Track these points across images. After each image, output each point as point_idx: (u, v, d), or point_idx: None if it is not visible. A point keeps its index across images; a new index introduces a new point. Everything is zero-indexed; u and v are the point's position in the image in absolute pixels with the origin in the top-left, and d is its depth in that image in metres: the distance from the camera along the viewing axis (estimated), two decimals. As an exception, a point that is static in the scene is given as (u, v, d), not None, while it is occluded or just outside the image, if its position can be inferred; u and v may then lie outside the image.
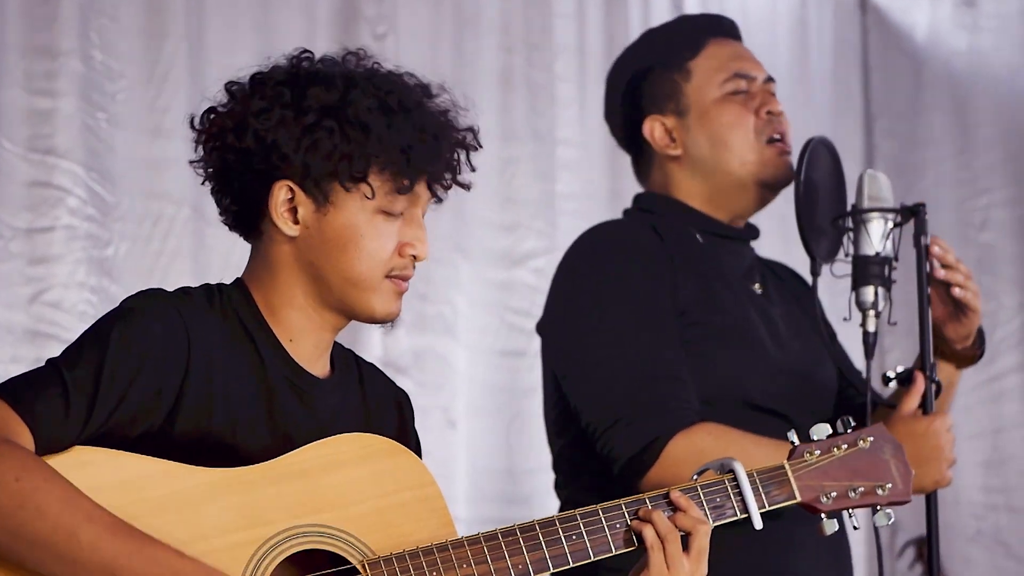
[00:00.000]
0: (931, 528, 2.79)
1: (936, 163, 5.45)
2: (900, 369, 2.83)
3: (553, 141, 4.54)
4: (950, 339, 2.91)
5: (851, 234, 2.86)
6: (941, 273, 2.84)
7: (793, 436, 2.37)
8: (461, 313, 4.25)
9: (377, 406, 2.33)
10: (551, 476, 4.11)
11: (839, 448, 2.37)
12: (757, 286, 3.00)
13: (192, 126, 2.24)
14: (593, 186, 4.57)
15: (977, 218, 5.39)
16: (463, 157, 2.24)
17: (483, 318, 4.31)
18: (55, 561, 1.97)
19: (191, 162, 2.25)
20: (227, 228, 2.28)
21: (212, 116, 2.22)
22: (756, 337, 2.88)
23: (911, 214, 2.84)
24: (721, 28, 3.08)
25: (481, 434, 4.26)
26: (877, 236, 2.83)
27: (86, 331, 2.13)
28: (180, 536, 2.04)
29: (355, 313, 2.22)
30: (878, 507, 2.39)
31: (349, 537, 2.13)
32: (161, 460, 2.06)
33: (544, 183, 4.49)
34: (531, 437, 4.27)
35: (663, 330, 2.80)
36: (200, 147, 2.23)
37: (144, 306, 2.13)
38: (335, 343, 2.29)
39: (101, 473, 2.04)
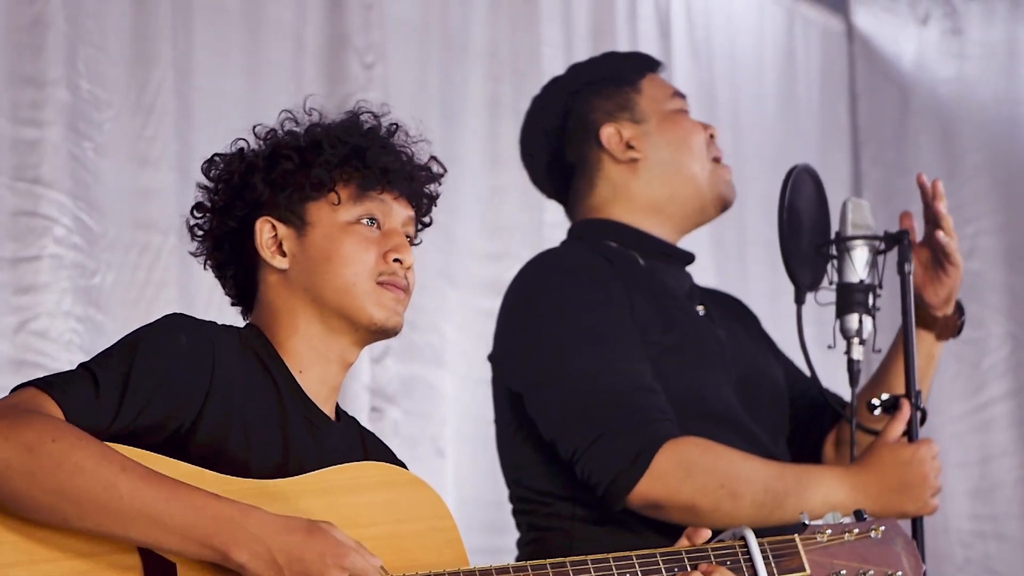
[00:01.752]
0: (919, 538, 2.78)
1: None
2: (885, 397, 2.84)
3: (541, 170, 4.54)
4: (930, 304, 2.92)
5: (835, 261, 2.87)
6: (941, 207, 2.86)
7: (804, 517, 2.39)
8: (449, 341, 4.25)
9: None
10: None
11: (851, 533, 2.39)
12: (700, 308, 3.00)
13: (188, 227, 2.42)
14: (581, 214, 4.57)
15: (964, 246, 5.37)
16: (420, 166, 2.37)
17: (471, 347, 4.30)
18: (98, 512, 2.03)
19: (191, 253, 2.42)
20: (232, 302, 2.42)
21: (200, 201, 2.40)
22: (708, 354, 2.89)
23: (895, 241, 2.85)
24: (655, 64, 3.13)
25: (470, 463, 4.25)
26: (861, 263, 2.84)
27: (117, 341, 2.21)
28: None
29: (357, 324, 2.30)
30: None
31: None
32: (188, 464, 2.13)
33: (532, 211, 4.49)
34: (520, 466, 4.27)
35: (628, 344, 2.80)
36: (197, 242, 2.40)
37: (173, 321, 2.23)
38: (340, 409, 2.38)
39: None
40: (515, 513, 2.97)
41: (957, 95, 5.51)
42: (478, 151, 4.35)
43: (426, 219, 2.42)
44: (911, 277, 2.85)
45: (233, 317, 2.41)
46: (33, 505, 2.03)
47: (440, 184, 2.41)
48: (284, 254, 2.31)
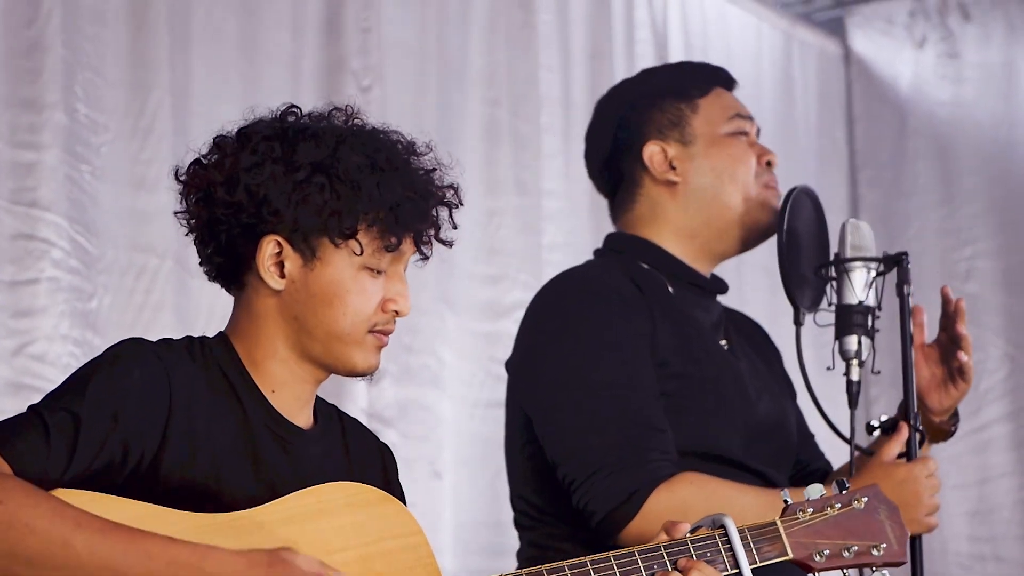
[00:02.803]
0: (915, 560, 2.77)
1: (921, 213, 5.47)
2: (884, 418, 2.83)
3: (538, 193, 4.54)
4: (932, 409, 2.89)
5: (834, 283, 2.86)
6: (963, 330, 2.83)
7: (786, 495, 2.36)
8: (447, 364, 4.24)
9: (360, 459, 2.33)
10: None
11: (832, 507, 2.36)
12: (724, 342, 2.98)
13: (177, 178, 2.25)
14: (578, 237, 4.57)
15: (961, 268, 5.41)
16: (446, 215, 2.27)
17: (469, 369, 4.30)
18: (55, 572, 1.97)
19: (176, 213, 2.26)
20: (207, 278, 2.29)
21: (198, 168, 2.24)
22: (728, 392, 2.87)
23: (894, 263, 2.85)
24: (727, 78, 3.09)
25: (467, 486, 4.24)
26: (860, 285, 2.83)
27: (66, 379, 2.13)
28: None
29: (336, 367, 2.24)
30: (873, 568, 2.38)
31: None
32: (147, 504, 2.06)
33: (529, 235, 4.50)
34: (517, 489, 4.27)
35: (641, 379, 2.77)
36: (185, 199, 2.25)
37: (123, 352, 2.14)
38: (318, 398, 2.31)
39: (91, 511, 2.01)
40: (516, 526, 2.95)
41: (954, 118, 5.52)
42: (476, 175, 4.35)
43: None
44: (910, 299, 2.84)
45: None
46: None
47: (455, 227, 2.30)
48: (284, 275, 2.20)
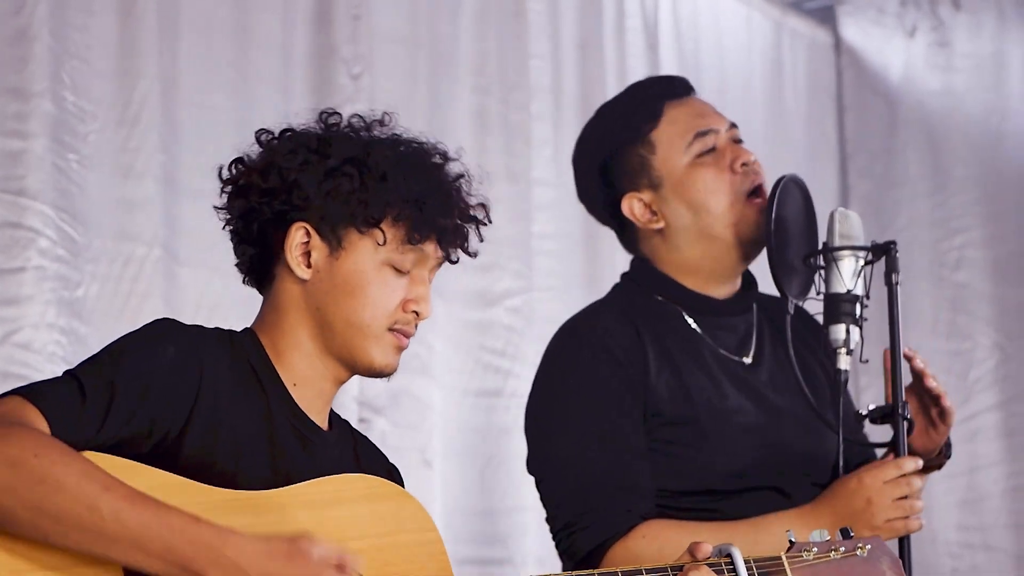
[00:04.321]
0: (905, 567, 2.77)
1: (911, 202, 5.48)
2: (873, 407, 2.83)
3: (529, 181, 4.54)
4: (917, 449, 2.88)
5: (822, 272, 2.85)
6: (932, 384, 2.85)
7: (791, 535, 2.41)
8: (437, 353, 4.24)
9: (369, 471, 2.36)
10: (527, 516, 4.09)
11: (836, 551, 2.41)
12: (748, 357, 2.98)
13: (220, 176, 2.33)
14: (569, 226, 4.57)
15: (952, 258, 5.41)
16: (473, 228, 2.33)
17: (459, 358, 4.30)
18: (77, 532, 2.01)
19: (216, 208, 2.35)
20: (242, 280, 2.36)
21: (240, 165, 2.33)
22: (726, 428, 2.86)
23: (882, 252, 2.84)
24: (674, 90, 3.04)
25: (457, 474, 4.24)
26: (848, 274, 2.83)
27: (103, 349, 2.18)
28: None
29: (355, 362, 2.30)
30: None
31: None
32: (172, 475, 2.12)
33: (520, 223, 4.49)
34: (507, 477, 4.26)
35: (618, 439, 2.81)
36: (226, 194, 2.33)
37: (161, 329, 2.21)
38: (333, 411, 2.37)
39: (117, 477, 2.06)
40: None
41: (944, 107, 5.52)
42: (465, 162, 4.34)
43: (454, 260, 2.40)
44: (898, 288, 2.84)
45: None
46: (13, 520, 2.01)
47: (481, 239, 2.37)
48: (310, 265, 2.28)
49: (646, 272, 3.01)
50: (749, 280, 3.05)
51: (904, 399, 2.80)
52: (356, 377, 3.93)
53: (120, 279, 3.52)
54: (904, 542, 2.78)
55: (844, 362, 2.82)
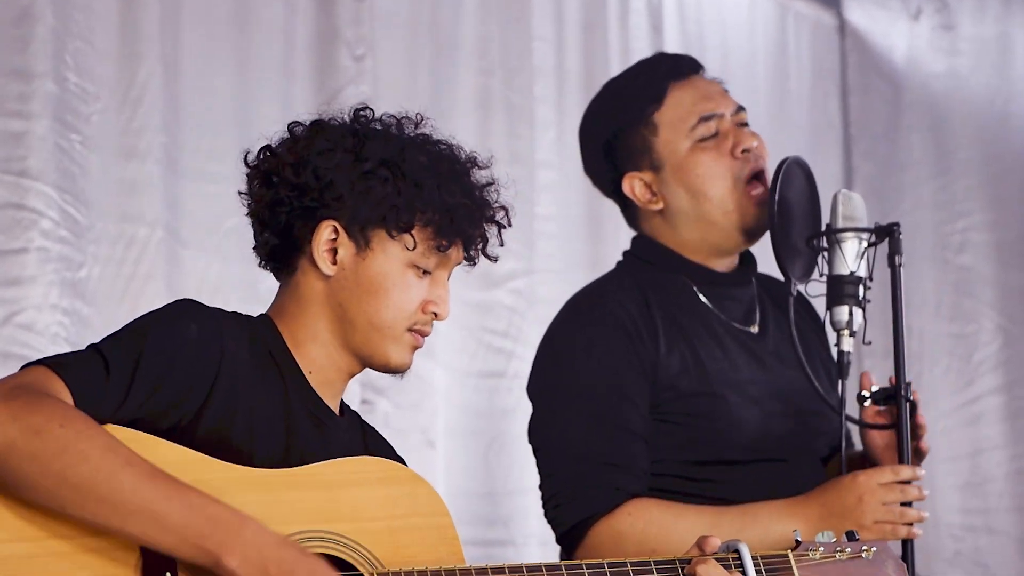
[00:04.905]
0: (907, 551, 2.78)
1: (915, 186, 5.47)
2: (875, 389, 2.83)
3: (532, 163, 4.53)
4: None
5: (825, 254, 2.85)
6: (922, 420, 2.84)
7: (798, 535, 2.43)
8: (440, 334, 4.23)
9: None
10: (530, 497, 4.09)
11: (842, 552, 2.43)
12: (755, 327, 2.99)
13: (246, 162, 2.35)
14: (572, 208, 4.57)
15: (955, 241, 5.41)
16: (495, 231, 2.38)
17: (462, 339, 4.30)
18: (97, 503, 2.04)
19: (240, 193, 2.36)
20: (259, 263, 2.38)
21: (268, 154, 2.34)
22: (738, 399, 2.87)
23: (885, 234, 2.84)
24: (680, 70, 3.03)
25: (460, 455, 4.25)
26: (851, 256, 2.83)
27: (126, 325, 2.21)
28: None
29: (372, 359, 2.34)
30: None
31: (360, 548, 2.21)
32: (192, 451, 2.14)
33: (522, 204, 4.45)
34: (510, 458, 4.27)
35: (616, 418, 2.82)
36: (251, 182, 2.34)
37: (183, 308, 2.24)
38: (343, 402, 2.40)
39: (136, 451, 2.08)
40: (558, 542, 3.00)
41: (949, 90, 5.51)
42: (468, 145, 4.32)
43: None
44: (901, 269, 2.84)
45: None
46: (33, 487, 2.03)
47: (502, 244, 2.41)
48: (335, 262, 2.30)
49: (650, 247, 3.02)
50: (747, 255, 3.06)
51: (907, 381, 2.80)
52: (359, 358, 3.98)
53: (122, 260, 3.52)
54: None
55: (847, 344, 2.83)
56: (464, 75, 4.40)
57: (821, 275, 2.87)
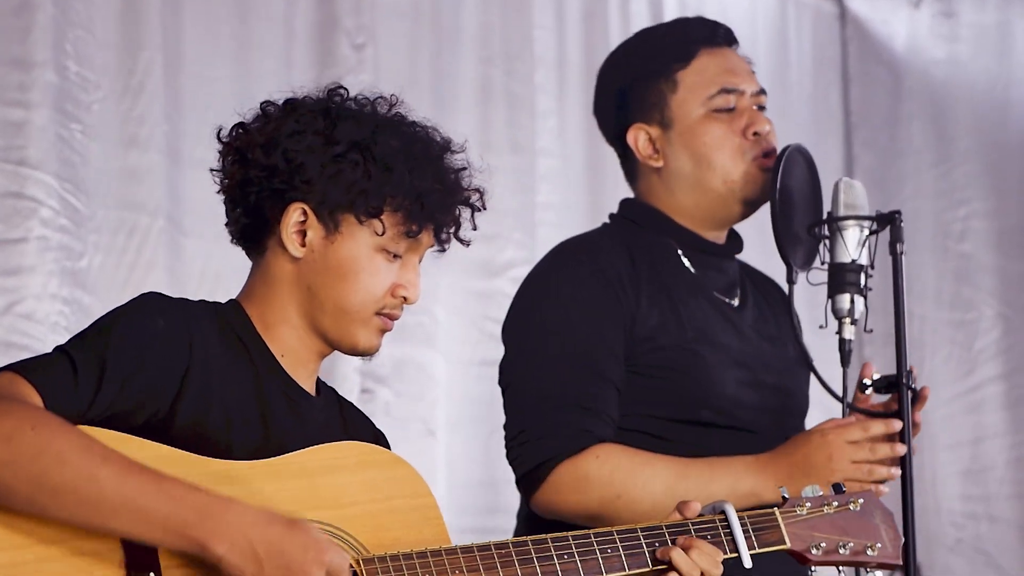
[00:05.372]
0: (908, 537, 2.78)
1: (915, 174, 5.47)
2: (877, 376, 2.83)
3: (532, 152, 4.53)
4: None
5: (827, 242, 2.85)
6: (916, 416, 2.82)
7: (784, 491, 2.43)
8: (441, 323, 4.24)
9: (357, 436, 2.37)
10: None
11: (829, 506, 2.43)
12: (735, 300, 2.99)
13: (219, 137, 2.32)
14: (573, 197, 4.57)
15: (956, 229, 5.41)
16: (467, 215, 2.34)
17: (463, 328, 4.30)
18: (78, 504, 2.02)
19: (212, 170, 2.33)
20: (231, 240, 2.35)
21: (241, 131, 2.31)
22: (719, 358, 2.88)
23: (887, 222, 2.84)
24: (715, 37, 3.02)
25: (461, 444, 4.25)
26: (853, 244, 2.83)
27: (91, 324, 2.19)
28: None
29: (340, 342, 2.31)
30: (868, 568, 2.45)
31: (344, 534, 2.19)
32: (166, 446, 2.12)
33: (524, 194, 4.49)
34: (511, 448, 4.27)
35: (590, 363, 2.81)
36: (223, 159, 2.32)
37: (148, 302, 2.21)
38: (318, 379, 2.37)
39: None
40: (517, 483, 2.97)
41: (949, 78, 5.51)
42: (469, 134, 4.30)
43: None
44: (902, 258, 2.84)
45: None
46: (11, 494, 2.00)
47: (475, 227, 2.37)
48: (304, 244, 2.27)
49: (639, 209, 3.01)
50: (734, 234, 3.06)
51: (909, 368, 2.80)
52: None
53: (124, 249, 3.52)
54: (908, 513, 2.78)
55: (848, 332, 2.83)
56: (465, 64, 4.40)
57: (823, 263, 2.87)
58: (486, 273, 4.36)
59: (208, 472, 2.11)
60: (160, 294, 2.24)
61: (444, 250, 2.35)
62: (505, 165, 4.44)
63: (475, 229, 2.36)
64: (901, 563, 2.50)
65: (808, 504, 2.42)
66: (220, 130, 2.32)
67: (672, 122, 2.96)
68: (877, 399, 2.86)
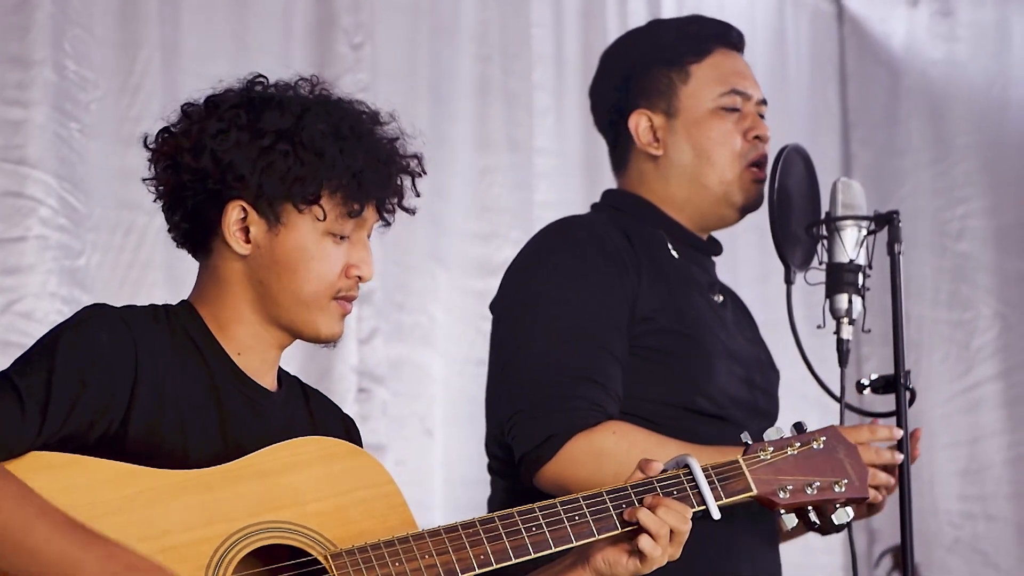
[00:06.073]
0: (905, 536, 2.78)
1: (913, 172, 5.47)
2: (875, 376, 2.83)
3: (530, 150, 4.53)
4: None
5: (825, 242, 2.86)
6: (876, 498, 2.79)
7: (746, 436, 2.40)
8: (438, 322, 4.24)
9: (324, 424, 2.36)
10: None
11: (792, 447, 2.41)
12: (719, 298, 2.99)
13: (146, 145, 2.28)
14: (570, 195, 4.56)
15: (954, 227, 5.41)
16: (408, 183, 2.30)
17: (460, 327, 4.30)
18: (13, 554, 2.00)
19: (144, 180, 2.29)
20: (175, 245, 2.32)
21: (167, 136, 2.27)
22: (716, 348, 2.87)
23: (885, 222, 2.84)
24: (730, 39, 3.05)
25: (458, 443, 4.24)
26: (851, 244, 2.83)
27: (34, 344, 2.16)
28: (143, 533, 2.07)
29: (301, 333, 2.28)
30: (836, 504, 2.42)
31: (310, 532, 2.17)
32: (121, 463, 2.09)
33: (521, 192, 4.49)
34: (508, 447, 4.27)
35: (596, 335, 2.77)
36: (154, 165, 2.28)
37: (89, 316, 2.17)
38: (280, 368, 2.34)
39: (62, 476, 2.06)
40: (490, 471, 2.95)
41: (947, 77, 5.51)
42: (467, 132, 4.34)
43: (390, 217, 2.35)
44: (900, 257, 2.84)
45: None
46: None
47: (418, 194, 2.34)
48: (248, 241, 2.23)
49: (627, 199, 3.00)
50: (714, 240, 3.05)
51: (906, 369, 2.80)
52: (355, 345, 3.99)
53: (122, 248, 3.52)
54: (905, 513, 2.78)
55: (846, 332, 2.83)
56: (463, 62, 4.40)
57: (820, 263, 2.87)
58: (483, 272, 4.35)
59: (164, 484, 2.09)
60: (102, 305, 2.21)
61: (390, 223, 2.31)
62: (503, 163, 4.45)
63: (418, 196, 2.32)
64: (869, 496, 2.47)
65: (771, 448, 2.39)
66: (146, 137, 2.28)
67: (679, 112, 2.96)
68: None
